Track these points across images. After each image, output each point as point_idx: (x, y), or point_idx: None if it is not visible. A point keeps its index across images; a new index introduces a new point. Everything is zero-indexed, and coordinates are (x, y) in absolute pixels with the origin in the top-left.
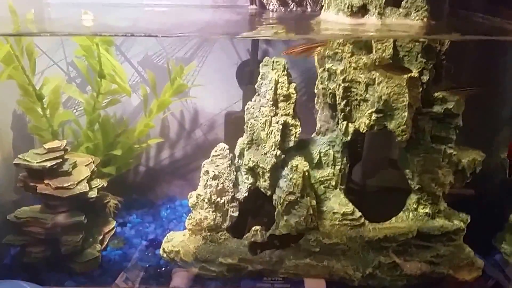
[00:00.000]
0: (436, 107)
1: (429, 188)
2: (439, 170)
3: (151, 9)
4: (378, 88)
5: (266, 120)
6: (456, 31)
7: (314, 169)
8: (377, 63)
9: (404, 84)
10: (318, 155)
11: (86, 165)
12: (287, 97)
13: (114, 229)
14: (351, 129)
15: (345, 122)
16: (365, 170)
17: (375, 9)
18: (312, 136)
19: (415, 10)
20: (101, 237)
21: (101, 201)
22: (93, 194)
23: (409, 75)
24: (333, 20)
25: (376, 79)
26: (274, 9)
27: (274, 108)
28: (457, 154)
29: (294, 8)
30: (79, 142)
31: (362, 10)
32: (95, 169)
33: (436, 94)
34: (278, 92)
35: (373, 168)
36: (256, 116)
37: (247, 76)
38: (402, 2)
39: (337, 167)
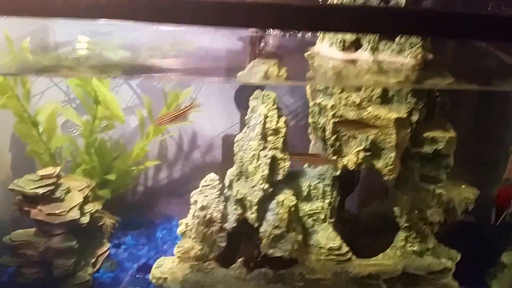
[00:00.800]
0: (426, 147)
1: (417, 227)
2: (428, 209)
3: (154, 29)
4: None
5: (254, 154)
6: (451, 70)
7: (303, 201)
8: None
9: (392, 125)
10: (308, 188)
11: (80, 190)
12: (276, 131)
13: (108, 251)
14: (340, 164)
15: (335, 157)
16: (361, 199)
17: (368, 44)
18: (304, 166)
19: (409, 46)
20: (94, 259)
21: (96, 223)
22: (85, 220)
23: (397, 116)
24: (326, 54)
25: (363, 119)
26: (274, 33)
27: (263, 142)
28: (448, 193)
29: (293, 33)
30: (77, 163)
31: (356, 44)
32: (90, 193)
33: (425, 134)
34: (267, 126)
35: (369, 197)
36: (245, 149)
37: (245, 100)
38: (396, 38)
39: (327, 201)
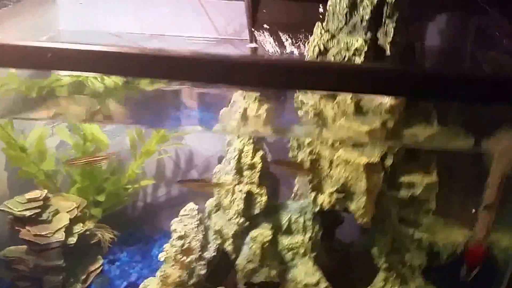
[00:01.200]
0: (402, 192)
1: (397, 269)
2: (408, 252)
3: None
4: (336, 170)
5: (229, 188)
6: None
7: (283, 235)
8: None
9: (362, 170)
10: (288, 222)
11: (68, 211)
12: (252, 166)
13: (101, 268)
14: (320, 200)
15: (314, 193)
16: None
17: None
18: (292, 196)
19: None
20: (84, 276)
21: (89, 240)
22: (73, 240)
23: (367, 161)
24: None
25: (334, 161)
26: (271, 50)
27: (238, 176)
28: (431, 236)
29: (290, 49)
30: (73, 180)
31: None
32: (79, 213)
33: (402, 179)
34: (242, 161)
35: None
36: (222, 182)
37: None
38: None
39: (308, 235)
